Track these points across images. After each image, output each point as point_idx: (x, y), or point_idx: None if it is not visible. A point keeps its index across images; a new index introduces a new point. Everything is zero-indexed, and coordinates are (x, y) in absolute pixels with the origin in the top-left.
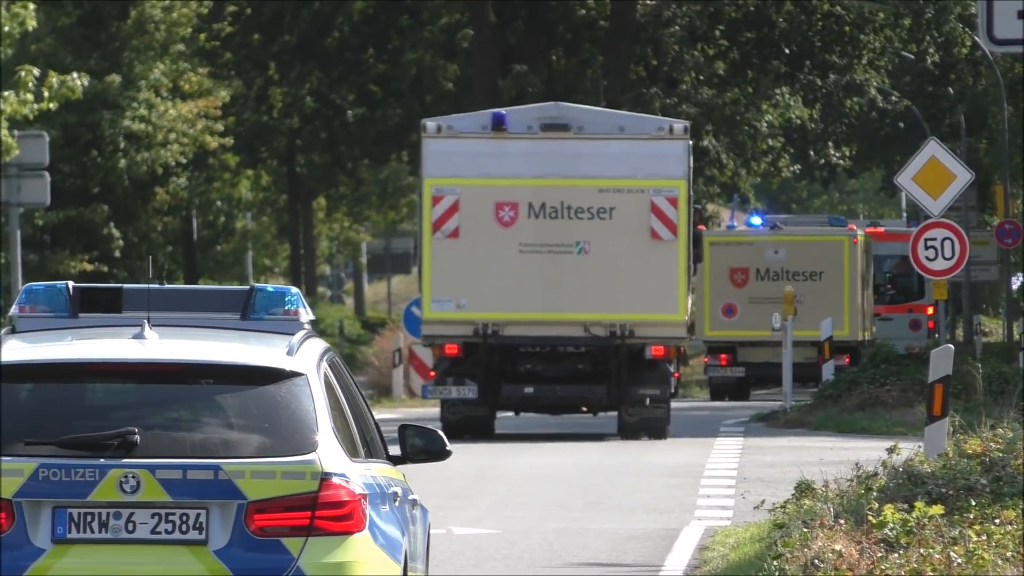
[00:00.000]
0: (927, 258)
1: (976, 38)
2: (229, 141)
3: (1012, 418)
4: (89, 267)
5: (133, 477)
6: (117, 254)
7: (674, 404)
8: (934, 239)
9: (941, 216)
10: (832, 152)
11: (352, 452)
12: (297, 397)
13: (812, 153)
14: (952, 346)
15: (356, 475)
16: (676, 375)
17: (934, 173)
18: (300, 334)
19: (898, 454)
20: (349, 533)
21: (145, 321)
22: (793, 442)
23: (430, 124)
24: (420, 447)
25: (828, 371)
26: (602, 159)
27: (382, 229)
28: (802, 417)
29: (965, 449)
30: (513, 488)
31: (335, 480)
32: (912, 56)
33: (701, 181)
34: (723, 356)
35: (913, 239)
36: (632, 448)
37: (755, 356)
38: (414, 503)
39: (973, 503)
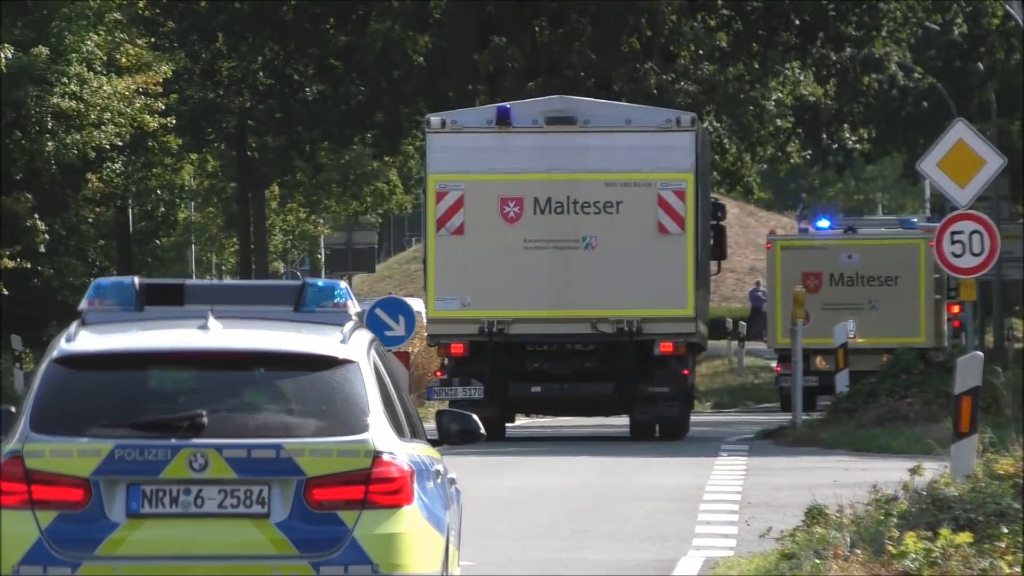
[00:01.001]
0: (953, 254)
1: (1008, 7)
2: (171, 121)
3: None
4: (11, 263)
5: (202, 456)
6: (42, 249)
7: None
8: (961, 232)
9: (969, 207)
10: (847, 135)
11: (399, 432)
12: (350, 382)
13: (825, 136)
14: (981, 353)
15: (404, 453)
16: (686, 372)
17: (961, 158)
18: (350, 324)
19: (921, 475)
20: (399, 506)
21: (209, 313)
22: (803, 462)
23: (434, 119)
24: (456, 430)
25: (842, 382)
26: (608, 152)
27: (343, 221)
28: (813, 434)
29: (996, 470)
30: (492, 513)
31: (386, 457)
32: (937, 27)
33: None
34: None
35: (938, 232)
36: (625, 469)
37: (828, 365)
38: (452, 481)
39: (1005, 530)
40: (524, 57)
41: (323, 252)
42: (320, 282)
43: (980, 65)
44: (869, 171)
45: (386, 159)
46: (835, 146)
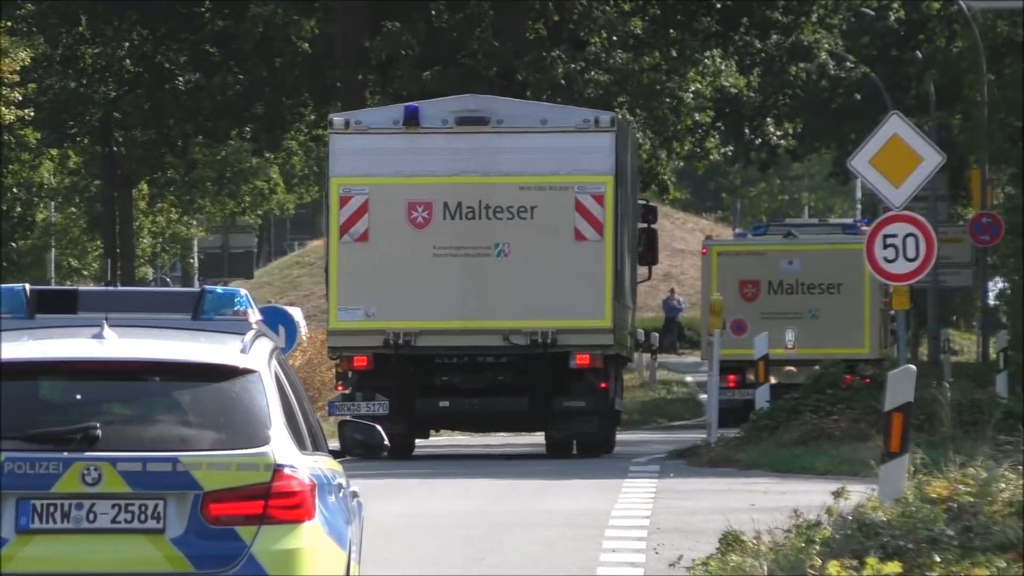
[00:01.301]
0: (886, 259)
1: None
2: (29, 113)
3: (986, 455)
4: None
5: (95, 469)
6: None
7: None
8: (895, 236)
9: (904, 208)
10: (772, 129)
11: (301, 445)
12: (251, 393)
13: (748, 131)
14: (914, 367)
15: (305, 467)
16: (604, 386)
17: (896, 155)
18: (250, 333)
19: (846, 498)
20: (300, 521)
21: (104, 321)
22: (718, 484)
23: (337, 119)
24: (359, 441)
25: (762, 398)
26: (523, 154)
27: (218, 223)
28: (730, 453)
29: (928, 493)
30: (377, 542)
31: (287, 471)
32: (872, 12)
33: None
34: (731, 377)
35: (869, 235)
36: (524, 492)
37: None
38: (354, 495)
39: (937, 559)
40: (419, 44)
41: (196, 256)
42: (219, 289)
43: (918, 53)
44: (795, 169)
45: (266, 155)
46: (758, 142)
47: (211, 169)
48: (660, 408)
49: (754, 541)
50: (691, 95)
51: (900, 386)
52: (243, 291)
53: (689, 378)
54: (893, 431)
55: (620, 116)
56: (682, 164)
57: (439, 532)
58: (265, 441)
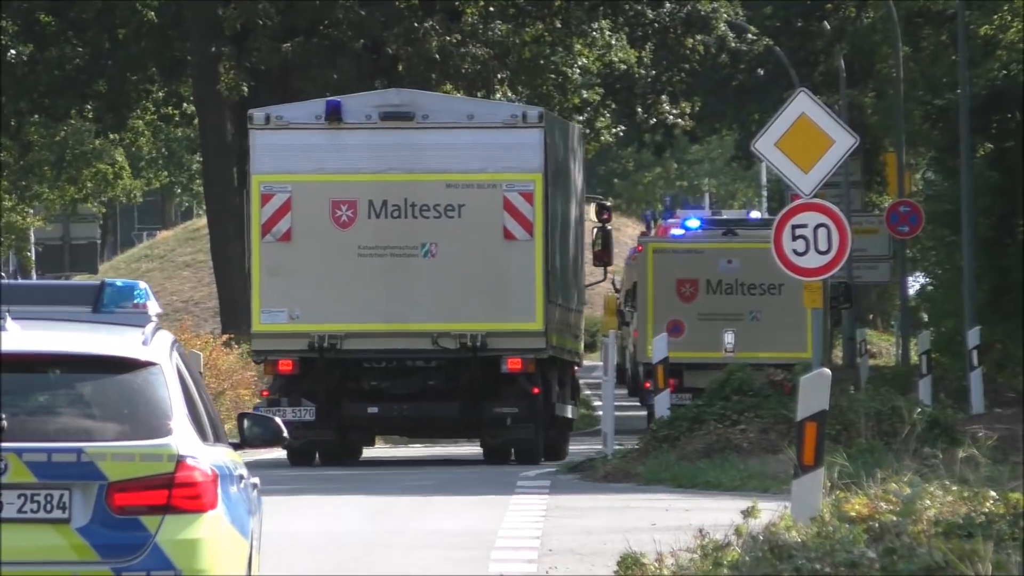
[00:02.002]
0: (795, 251)
1: None
2: None
3: (909, 469)
4: None
5: (1, 460)
6: None
7: (466, 451)
8: (804, 226)
9: (814, 195)
10: (668, 108)
11: (203, 436)
12: (153, 385)
13: (640, 110)
14: (828, 371)
15: (208, 457)
16: (536, 391)
17: (805, 137)
18: (151, 326)
19: (756, 517)
20: (203, 511)
21: (6, 313)
22: (616, 500)
23: (257, 114)
24: (258, 434)
25: (663, 405)
26: (450, 151)
27: (58, 211)
28: (628, 467)
29: (846, 511)
30: None
31: (189, 462)
32: None
33: None
34: (671, 381)
35: (776, 225)
36: (401, 510)
37: (704, 381)
38: (255, 486)
39: None
40: (278, 13)
41: (33, 248)
42: (119, 282)
43: (826, 25)
44: (694, 152)
45: (111, 136)
46: (652, 122)
47: (49, 152)
48: None
49: (656, 564)
50: (578, 71)
51: (814, 392)
52: (142, 284)
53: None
54: (806, 442)
55: (545, 111)
56: None
57: (305, 555)
58: (168, 432)
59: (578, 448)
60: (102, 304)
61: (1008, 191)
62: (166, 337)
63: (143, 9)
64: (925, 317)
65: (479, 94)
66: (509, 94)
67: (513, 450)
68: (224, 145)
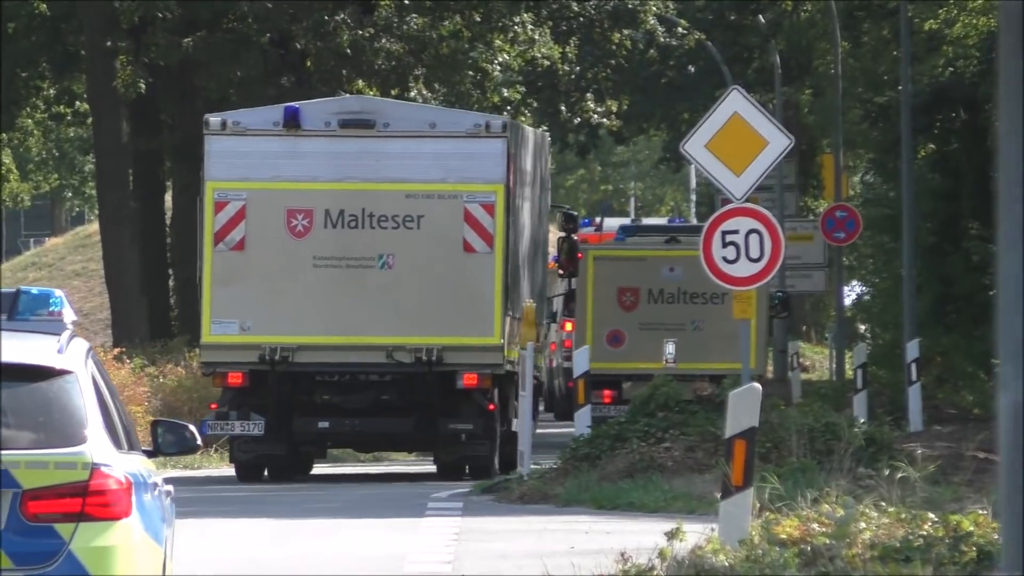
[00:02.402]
0: (725, 259)
1: None
2: None
3: (843, 489)
4: None
5: None
6: None
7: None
8: (735, 232)
9: (746, 199)
10: (593, 107)
11: (117, 444)
12: (68, 393)
13: (564, 109)
14: (759, 386)
15: (123, 465)
16: (492, 407)
17: (737, 138)
18: (66, 334)
19: (682, 540)
20: (117, 519)
21: None
22: (533, 523)
23: (213, 119)
24: (172, 441)
25: (583, 421)
26: (410, 160)
27: None
28: (546, 488)
29: (777, 533)
30: None
31: (104, 470)
32: None
33: None
34: (607, 392)
35: (706, 231)
36: (304, 534)
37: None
38: (168, 494)
39: None
40: (179, 6)
41: None
42: (34, 290)
43: (761, 19)
44: (620, 154)
45: None
46: (577, 121)
47: None
48: None
49: None
50: (498, 67)
51: (743, 408)
52: (58, 292)
53: None
54: (735, 461)
55: (509, 121)
56: None
57: None
58: (82, 440)
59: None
60: (17, 312)
61: (951, 195)
62: (81, 345)
63: (35, 1)
64: (862, 328)
65: (393, 92)
66: (425, 92)
67: (468, 466)
68: (119, 146)
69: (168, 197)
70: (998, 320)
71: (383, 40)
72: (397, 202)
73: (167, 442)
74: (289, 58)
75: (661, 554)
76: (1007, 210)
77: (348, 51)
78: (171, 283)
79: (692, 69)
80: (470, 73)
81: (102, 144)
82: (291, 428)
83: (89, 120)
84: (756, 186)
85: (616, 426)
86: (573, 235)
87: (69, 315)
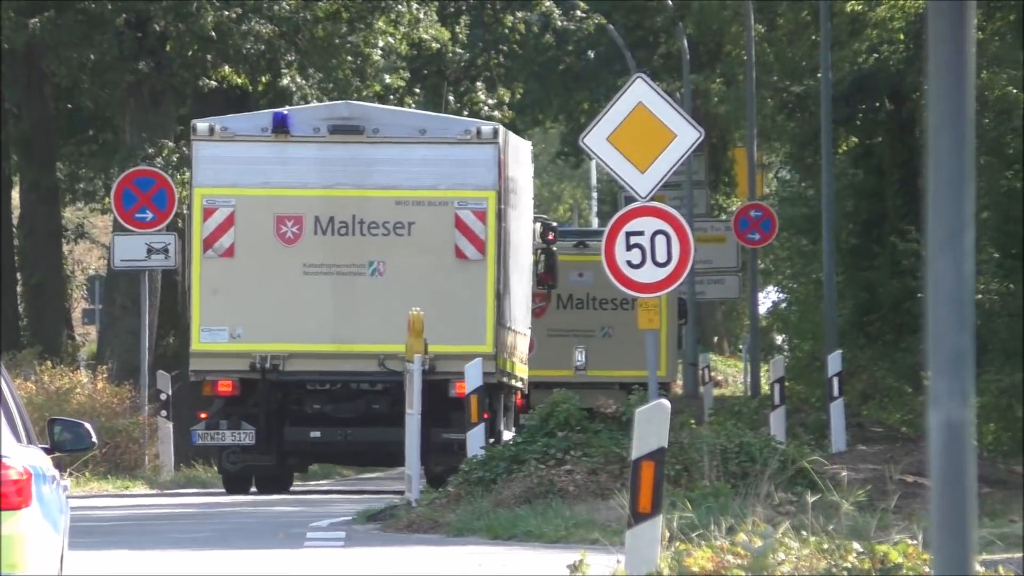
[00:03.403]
0: (629, 263)
1: None
2: None
3: (760, 516)
4: None
5: None
6: None
7: (244, 497)
8: (640, 233)
9: (651, 198)
10: (484, 97)
11: (17, 438)
12: None
13: (452, 98)
14: (667, 402)
15: (22, 458)
16: (485, 417)
17: (642, 130)
18: None
19: (586, 572)
20: (18, 508)
21: None
22: (421, 554)
23: (200, 125)
24: (68, 439)
25: (476, 442)
26: (400, 167)
27: None
28: (436, 515)
29: (688, 565)
30: None
31: (6, 462)
32: None
33: None
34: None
35: (608, 232)
36: (173, 565)
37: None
38: (65, 488)
39: None
40: None
41: None
42: None
43: (668, 0)
44: None
45: None
46: (466, 113)
47: None
48: None
49: None
50: (380, 52)
51: (651, 427)
52: None
53: None
54: (642, 485)
55: (500, 127)
56: None
57: None
58: None
59: (380, 494)
60: None
61: (875, 193)
62: None
63: None
64: (779, 339)
65: (263, 79)
66: (298, 79)
67: None
68: None
69: (15, 194)
70: (927, 330)
71: (252, 22)
72: (388, 209)
73: (63, 439)
74: (147, 41)
75: None
76: (938, 210)
77: (212, 34)
78: (19, 289)
79: (592, 55)
80: (349, 59)
81: None
82: (282, 438)
83: None
84: (663, 183)
85: (512, 447)
86: (552, 246)
87: None
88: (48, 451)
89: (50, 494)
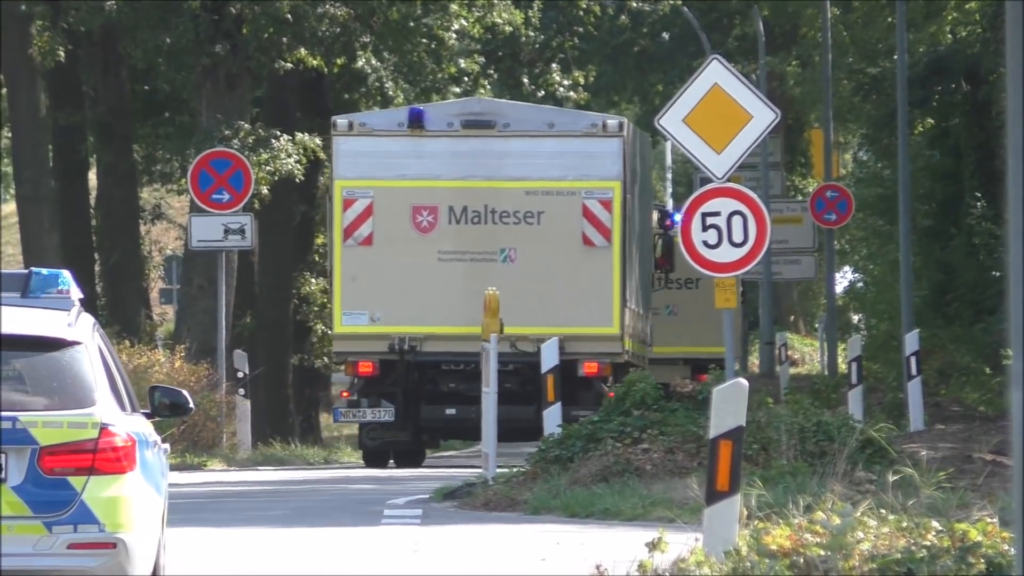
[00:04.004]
0: (706, 243)
1: None
2: None
3: (839, 495)
4: None
5: None
6: None
7: (321, 474)
8: (717, 214)
9: (728, 179)
10: (559, 79)
11: (122, 407)
12: (79, 361)
13: (527, 80)
14: (745, 381)
15: (127, 425)
16: (612, 396)
17: (718, 112)
18: (75, 309)
19: (663, 551)
20: (123, 472)
21: None
22: (499, 532)
23: (340, 121)
24: (167, 404)
25: (552, 420)
26: (529, 159)
27: None
28: (513, 493)
29: (767, 544)
30: None
31: (111, 429)
32: None
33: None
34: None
35: (685, 213)
36: (254, 544)
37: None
38: (166, 451)
39: None
40: None
41: None
42: (45, 271)
43: None
44: None
45: None
46: (541, 94)
47: None
48: None
49: None
50: (454, 35)
51: (728, 406)
52: (65, 273)
53: None
54: (720, 464)
55: (625, 121)
56: None
57: None
58: (92, 403)
59: (457, 473)
60: (30, 290)
61: (951, 174)
62: (88, 319)
63: None
64: (855, 319)
65: (338, 62)
66: (373, 62)
67: None
68: (37, 120)
69: (92, 176)
70: (1008, 310)
71: (326, 4)
72: (518, 199)
73: (162, 405)
74: (223, 24)
75: (641, 566)
76: (1016, 193)
77: (288, 16)
78: (97, 269)
79: (667, 37)
80: (423, 41)
81: (18, 118)
82: (418, 415)
83: (3, 91)
84: (739, 164)
85: (589, 425)
86: (669, 232)
87: (76, 293)
88: (149, 416)
89: (152, 458)
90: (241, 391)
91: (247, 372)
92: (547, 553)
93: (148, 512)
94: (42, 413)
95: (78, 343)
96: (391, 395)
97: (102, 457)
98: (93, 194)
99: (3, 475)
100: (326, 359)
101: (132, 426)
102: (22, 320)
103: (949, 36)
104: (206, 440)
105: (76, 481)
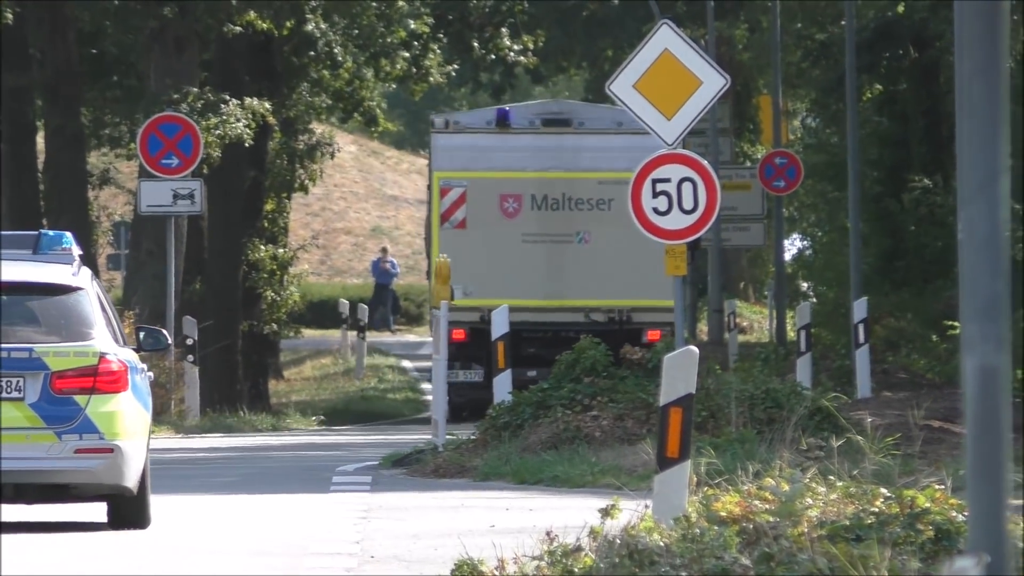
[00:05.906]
0: (656, 210)
1: None
2: None
3: (788, 462)
4: None
5: None
6: None
7: (270, 440)
8: (667, 180)
9: (677, 145)
10: (508, 43)
11: (116, 340)
12: (81, 303)
13: (477, 45)
14: (695, 348)
15: (121, 354)
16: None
17: (668, 77)
18: (76, 263)
19: (613, 517)
20: (118, 392)
21: None
22: (448, 499)
23: (438, 120)
24: (151, 343)
25: (503, 388)
26: (601, 153)
27: None
28: (462, 460)
29: (716, 510)
30: None
31: (108, 357)
32: None
33: (304, 91)
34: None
35: (635, 179)
36: (204, 509)
37: None
38: (151, 378)
39: None
40: None
41: None
42: (51, 232)
43: None
44: (537, 94)
45: None
46: (491, 59)
47: None
48: (370, 402)
49: (497, 572)
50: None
51: (679, 373)
52: (68, 234)
53: (407, 363)
54: (670, 431)
55: None
56: (394, 87)
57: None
58: (92, 337)
59: (401, 439)
60: (40, 248)
61: (900, 140)
62: (87, 271)
63: None
64: (804, 286)
65: (287, 24)
66: (323, 25)
67: None
68: None
69: (40, 139)
70: (961, 277)
71: None
72: (592, 188)
73: (147, 343)
74: None
75: (591, 532)
76: (971, 157)
77: None
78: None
79: (616, 1)
80: (372, 4)
81: None
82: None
83: None
84: (689, 130)
85: (539, 392)
86: None
87: (76, 250)
88: (136, 350)
89: (140, 382)
90: (190, 358)
91: (196, 339)
92: (497, 519)
93: (138, 424)
94: (52, 344)
95: (81, 289)
96: (479, 359)
97: (101, 379)
98: (41, 158)
99: (22, 395)
100: (275, 325)
101: (124, 355)
102: (35, 271)
103: (897, 2)
104: (155, 407)
105: (80, 399)
